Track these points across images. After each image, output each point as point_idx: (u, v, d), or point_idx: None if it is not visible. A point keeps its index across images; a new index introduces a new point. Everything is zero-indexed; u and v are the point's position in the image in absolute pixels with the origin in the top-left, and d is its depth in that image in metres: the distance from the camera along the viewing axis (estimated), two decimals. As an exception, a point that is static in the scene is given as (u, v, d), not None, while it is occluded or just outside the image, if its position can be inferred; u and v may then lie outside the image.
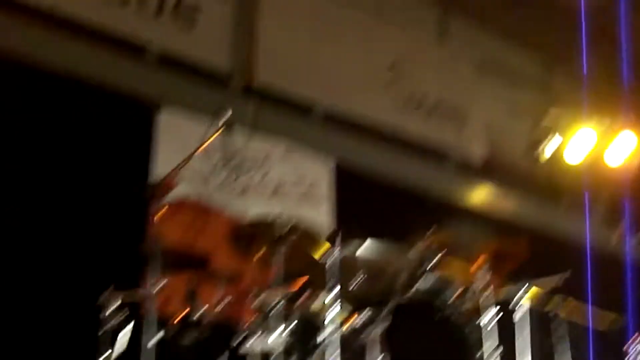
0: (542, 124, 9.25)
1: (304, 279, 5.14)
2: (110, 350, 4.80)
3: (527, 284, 5.12)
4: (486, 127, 9.90)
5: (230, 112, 4.96)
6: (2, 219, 6.10)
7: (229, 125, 4.91)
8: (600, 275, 8.94)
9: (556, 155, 9.16)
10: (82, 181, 6.63)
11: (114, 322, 4.83)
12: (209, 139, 4.90)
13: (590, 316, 5.57)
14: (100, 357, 4.77)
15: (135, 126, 7.20)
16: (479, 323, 5.19)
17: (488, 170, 9.76)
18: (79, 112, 6.85)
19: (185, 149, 5.25)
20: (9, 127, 6.43)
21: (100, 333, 4.84)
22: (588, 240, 9.18)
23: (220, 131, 4.91)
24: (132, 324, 4.87)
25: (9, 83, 6.58)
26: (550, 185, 10.29)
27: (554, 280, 5.41)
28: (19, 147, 6.45)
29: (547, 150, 9.03)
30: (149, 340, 4.14)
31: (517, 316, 5.06)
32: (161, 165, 6.92)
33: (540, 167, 9.96)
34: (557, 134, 9.06)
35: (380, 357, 4.44)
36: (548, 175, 10.13)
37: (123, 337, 4.78)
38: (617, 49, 9.20)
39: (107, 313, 4.85)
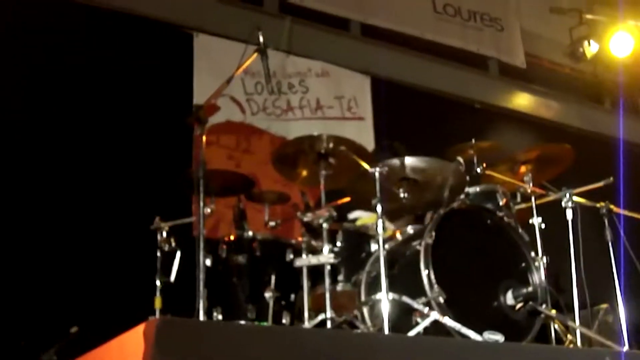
0: (581, 27, 9.10)
1: (350, 194, 5.16)
2: (163, 272, 4.90)
3: (570, 192, 5.10)
4: (525, 31, 9.75)
5: (265, 33, 4.93)
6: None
7: (265, 46, 4.88)
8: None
9: (597, 56, 9.03)
10: (126, 109, 6.70)
11: (167, 246, 4.91)
12: (247, 60, 4.88)
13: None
14: (158, 278, 4.87)
15: (173, 52, 7.22)
16: (531, 223, 5.24)
17: (529, 74, 9.64)
18: (118, 41, 6.89)
19: (224, 72, 5.25)
20: (56, 59, 6.51)
21: (157, 255, 4.94)
22: (622, 140, 9.07)
23: (257, 52, 4.89)
24: (181, 250, 4.95)
25: (59, 18, 6.68)
26: (592, 86, 10.17)
27: (597, 186, 5.38)
28: (66, 77, 6.53)
29: (588, 51, 8.89)
30: (203, 261, 4.20)
31: (567, 214, 5.05)
32: (201, 90, 6.94)
33: (582, 68, 9.84)
34: (596, 34, 8.92)
35: (425, 269, 4.45)
36: (590, 76, 10.00)
37: (177, 260, 4.86)
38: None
39: (161, 237, 4.93)
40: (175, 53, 7.23)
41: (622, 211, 5.39)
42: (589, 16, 8.98)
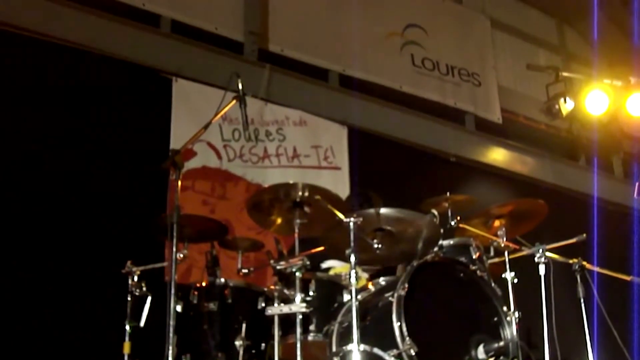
0: (557, 84, 9.20)
1: (325, 243, 5.14)
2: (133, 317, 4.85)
3: (543, 247, 5.12)
4: (502, 87, 9.87)
5: (244, 80, 4.96)
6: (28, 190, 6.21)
7: (244, 93, 4.91)
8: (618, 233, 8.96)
9: (573, 113, 9.12)
10: (102, 151, 6.68)
11: (138, 290, 4.88)
12: (225, 107, 4.90)
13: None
14: (127, 323, 4.82)
15: (152, 96, 7.22)
16: (504, 278, 5.25)
17: (505, 130, 9.73)
18: (97, 82, 6.90)
19: (201, 118, 5.26)
20: (38, 98, 6.50)
21: (128, 299, 4.89)
22: (595, 197, 9.19)
23: (235, 99, 4.92)
24: (152, 295, 4.91)
25: (40, 58, 6.69)
26: (568, 143, 10.28)
27: (570, 242, 5.41)
28: (42, 116, 6.52)
29: (563, 108, 8.98)
30: (173, 307, 4.17)
31: (540, 270, 5.06)
32: (178, 134, 6.93)
33: (557, 125, 9.95)
34: (572, 92, 9.03)
35: (397, 321, 4.43)
36: (565, 133, 10.11)
37: (147, 304, 4.83)
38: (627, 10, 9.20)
39: (132, 281, 4.89)
40: (153, 97, 7.23)
41: (595, 268, 5.40)
42: (565, 74, 9.08)
